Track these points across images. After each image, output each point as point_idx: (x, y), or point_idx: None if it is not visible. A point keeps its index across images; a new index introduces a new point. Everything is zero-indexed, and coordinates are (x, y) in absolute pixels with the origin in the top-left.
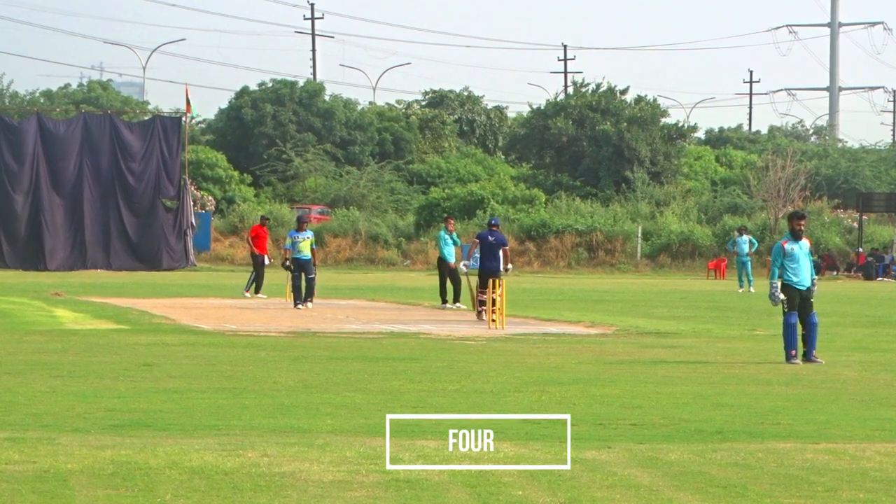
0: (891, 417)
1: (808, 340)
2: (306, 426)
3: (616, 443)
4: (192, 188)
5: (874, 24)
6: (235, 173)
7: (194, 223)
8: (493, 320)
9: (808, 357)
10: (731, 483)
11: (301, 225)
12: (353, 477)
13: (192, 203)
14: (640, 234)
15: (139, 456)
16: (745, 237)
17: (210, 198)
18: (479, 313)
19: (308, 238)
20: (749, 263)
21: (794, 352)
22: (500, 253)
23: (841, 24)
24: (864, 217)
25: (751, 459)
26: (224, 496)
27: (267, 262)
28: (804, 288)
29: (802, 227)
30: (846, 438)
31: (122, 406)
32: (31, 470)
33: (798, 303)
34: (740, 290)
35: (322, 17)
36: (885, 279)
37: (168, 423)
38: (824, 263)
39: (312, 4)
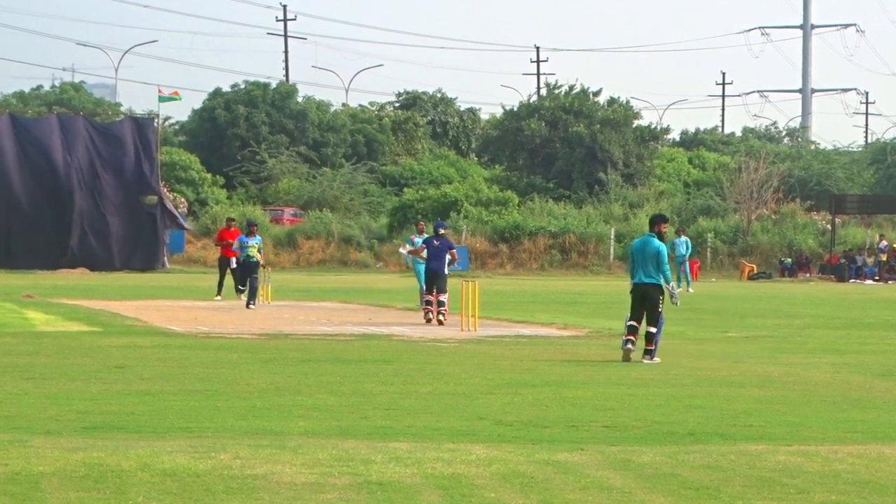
0: (863, 419)
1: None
2: (278, 428)
3: (588, 445)
4: (166, 190)
5: (847, 25)
6: (208, 175)
7: (184, 224)
8: (440, 321)
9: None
10: (704, 485)
11: (252, 230)
12: (326, 479)
13: (169, 204)
14: (612, 236)
15: (111, 458)
16: (683, 238)
17: (183, 199)
18: (426, 313)
19: (257, 243)
20: (687, 264)
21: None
22: (448, 255)
23: (813, 26)
24: (836, 219)
25: (723, 461)
26: (196, 498)
27: (232, 264)
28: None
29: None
30: (818, 440)
31: (94, 408)
32: (2, 472)
33: None
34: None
35: (294, 19)
36: (858, 281)
37: (140, 425)
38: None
39: (285, 6)
